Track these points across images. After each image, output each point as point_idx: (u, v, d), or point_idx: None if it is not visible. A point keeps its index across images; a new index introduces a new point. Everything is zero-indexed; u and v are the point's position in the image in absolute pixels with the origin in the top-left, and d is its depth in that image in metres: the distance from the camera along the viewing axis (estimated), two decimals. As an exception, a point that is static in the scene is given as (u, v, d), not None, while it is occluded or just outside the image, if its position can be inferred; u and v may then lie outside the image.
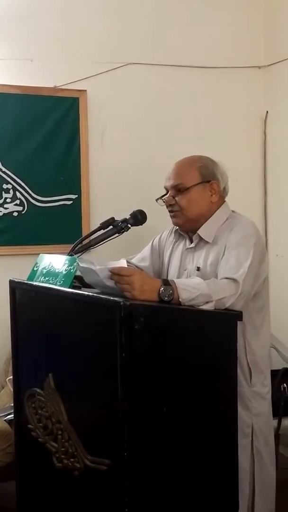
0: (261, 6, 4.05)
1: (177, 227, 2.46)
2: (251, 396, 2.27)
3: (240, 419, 2.16)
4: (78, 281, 2.20)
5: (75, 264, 2.13)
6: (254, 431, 2.27)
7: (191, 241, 2.39)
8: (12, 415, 2.68)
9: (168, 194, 2.36)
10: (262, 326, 2.32)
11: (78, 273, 2.14)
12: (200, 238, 2.33)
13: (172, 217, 2.39)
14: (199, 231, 2.33)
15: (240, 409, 2.20)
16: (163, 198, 2.39)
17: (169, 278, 2.21)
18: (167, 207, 2.38)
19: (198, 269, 2.29)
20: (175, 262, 2.45)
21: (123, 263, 2.04)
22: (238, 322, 2.06)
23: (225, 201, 2.40)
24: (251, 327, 2.27)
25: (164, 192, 2.40)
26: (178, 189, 2.32)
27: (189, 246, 2.39)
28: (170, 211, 2.38)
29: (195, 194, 2.32)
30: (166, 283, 1.96)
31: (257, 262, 2.18)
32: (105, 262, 2.04)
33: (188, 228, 2.38)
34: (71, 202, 3.70)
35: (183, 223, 2.36)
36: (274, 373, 3.33)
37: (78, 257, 2.20)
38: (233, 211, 2.39)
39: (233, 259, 2.15)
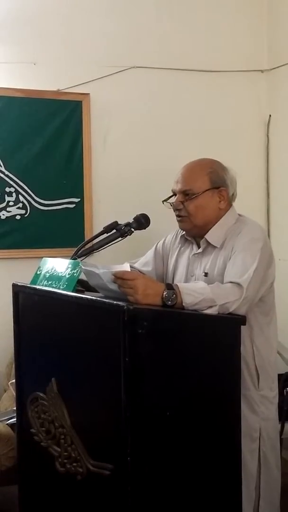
0: (264, 10, 4.07)
1: (183, 232, 2.44)
2: (258, 400, 2.26)
3: (248, 424, 2.16)
4: (81, 285, 2.20)
5: (78, 268, 2.13)
6: (262, 436, 2.26)
7: (198, 246, 2.37)
8: (15, 419, 2.67)
9: (176, 198, 2.33)
10: (269, 329, 2.31)
11: (81, 276, 2.14)
12: (208, 243, 2.31)
13: (179, 221, 2.36)
14: (206, 236, 2.30)
15: (248, 413, 2.20)
16: (170, 201, 2.37)
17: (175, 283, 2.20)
18: (174, 210, 2.36)
19: (206, 274, 2.27)
20: (181, 267, 2.43)
21: (126, 267, 2.04)
22: (246, 325, 2.06)
23: (232, 205, 2.38)
24: (258, 330, 2.26)
25: (171, 194, 2.38)
26: (186, 194, 2.29)
27: (197, 252, 2.36)
28: (177, 215, 2.35)
29: (203, 200, 2.29)
30: (170, 287, 1.96)
31: (263, 267, 2.16)
32: (109, 265, 2.04)
33: (194, 233, 2.36)
34: (74, 205, 3.70)
35: (190, 228, 2.34)
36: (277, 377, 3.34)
37: (81, 261, 2.20)
38: (240, 215, 2.38)
39: (239, 263, 2.14)
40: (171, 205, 2.35)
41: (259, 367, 2.26)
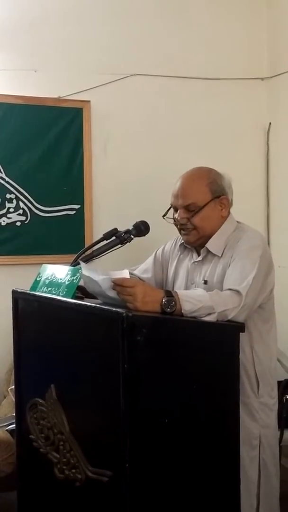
0: (264, 18, 4.09)
1: (182, 240, 2.45)
2: (258, 408, 2.26)
3: (248, 431, 2.16)
4: (81, 291, 2.20)
5: (78, 274, 2.13)
6: (262, 443, 2.26)
7: (198, 254, 2.38)
8: (14, 425, 2.68)
9: (178, 214, 2.31)
10: (269, 336, 2.31)
11: (80, 283, 2.14)
12: (208, 251, 2.32)
13: (183, 235, 2.35)
14: (207, 245, 2.30)
15: (248, 421, 2.20)
16: (173, 217, 2.35)
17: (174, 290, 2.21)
18: (176, 225, 2.35)
19: (206, 282, 2.27)
20: (181, 275, 2.43)
21: (125, 273, 2.03)
22: (246, 333, 2.06)
23: (230, 213, 2.38)
24: (258, 337, 2.26)
25: (169, 206, 2.37)
26: (190, 209, 2.28)
27: (197, 260, 2.36)
28: (181, 229, 2.34)
29: (208, 211, 2.28)
30: (169, 294, 1.96)
31: (262, 274, 2.17)
32: (108, 271, 2.04)
33: (199, 244, 2.35)
34: (74, 212, 3.71)
35: (196, 240, 2.33)
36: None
37: (82, 263, 2.19)
38: (238, 222, 2.38)
39: (238, 270, 2.14)
40: (174, 220, 2.33)
41: (259, 374, 2.26)
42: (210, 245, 2.30)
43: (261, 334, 2.28)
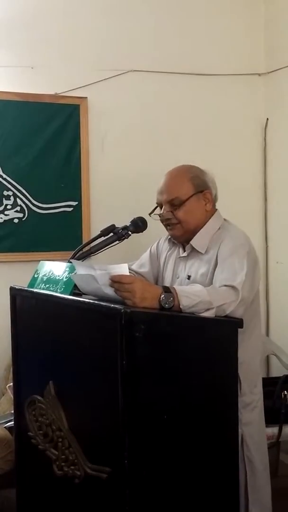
0: (261, 13, 4.08)
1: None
2: (240, 406, 2.23)
3: None
4: (78, 288, 2.20)
5: (75, 271, 2.13)
6: (245, 441, 2.25)
7: (184, 250, 2.41)
8: (13, 422, 2.67)
9: (163, 209, 2.36)
10: (252, 334, 2.29)
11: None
12: (193, 248, 2.35)
13: (169, 230, 2.40)
14: (192, 242, 2.34)
15: None
16: (159, 213, 2.39)
17: (164, 284, 2.22)
18: (162, 221, 2.39)
19: (189, 277, 2.31)
20: (169, 269, 2.47)
21: (124, 267, 2.02)
22: None
23: (216, 209, 2.41)
24: (242, 335, 2.25)
25: (155, 205, 2.41)
26: (174, 204, 2.33)
27: (182, 255, 2.41)
28: (166, 225, 2.39)
29: (191, 205, 2.33)
30: (167, 290, 1.96)
31: (251, 271, 2.19)
32: (106, 266, 2.03)
33: (184, 239, 2.39)
34: (72, 209, 3.71)
35: (181, 234, 2.37)
36: (275, 380, 3.34)
37: (74, 261, 2.18)
38: (225, 219, 2.41)
39: (228, 268, 2.16)
40: (159, 216, 2.38)
41: (241, 373, 2.23)
42: (195, 242, 2.34)
43: (244, 332, 2.27)
